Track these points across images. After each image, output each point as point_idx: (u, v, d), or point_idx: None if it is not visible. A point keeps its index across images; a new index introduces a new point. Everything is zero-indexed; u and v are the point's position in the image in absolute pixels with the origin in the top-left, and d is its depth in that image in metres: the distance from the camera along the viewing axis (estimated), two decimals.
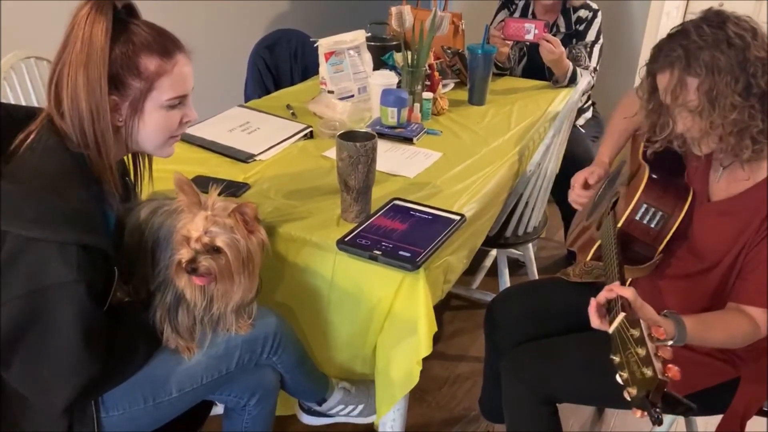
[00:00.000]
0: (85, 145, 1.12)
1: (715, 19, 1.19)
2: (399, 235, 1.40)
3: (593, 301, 1.14)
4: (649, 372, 0.93)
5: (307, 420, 1.63)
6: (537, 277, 2.40)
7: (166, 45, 1.15)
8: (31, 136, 1.12)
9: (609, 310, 1.11)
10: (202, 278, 1.17)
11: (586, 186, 1.61)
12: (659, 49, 1.24)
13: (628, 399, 0.94)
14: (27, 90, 2.05)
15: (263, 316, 1.36)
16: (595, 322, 1.13)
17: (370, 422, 1.61)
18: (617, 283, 1.15)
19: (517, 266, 2.69)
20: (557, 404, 1.47)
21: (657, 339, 0.99)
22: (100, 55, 1.08)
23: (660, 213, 1.33)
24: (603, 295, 1.13)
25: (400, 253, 1.34)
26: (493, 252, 2.64)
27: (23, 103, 1.99)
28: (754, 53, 1.15)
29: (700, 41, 1.17)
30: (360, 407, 1.60)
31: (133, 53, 1.12)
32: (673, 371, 0.93)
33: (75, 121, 1.11)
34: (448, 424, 2.00)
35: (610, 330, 1.05)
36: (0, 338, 1.05)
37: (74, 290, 1.05)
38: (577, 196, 1.63)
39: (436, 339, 2.19)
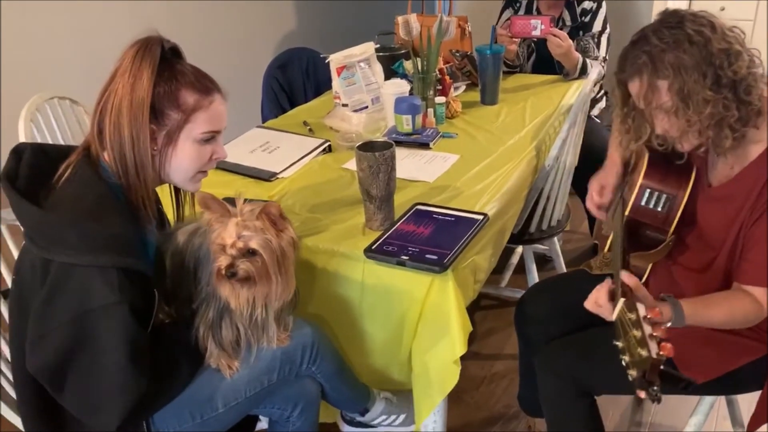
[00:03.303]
0: (124, 170, 1.18)
1: (672, 19, 1.22)
2: (424, 239, 1.43)
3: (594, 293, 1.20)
4: (644, 353, 0.96)
5: (349, 431, 1.66)
6: (565, 270, 2.41)
7: (206, 84, 1.23)
8: (69, 170, 1.17)
9: (612, 300, 1.15)
10: (243, 282, 1.20)
11: (602, 192, 1.61)
12: (625, 58, 1.27)
13: (631, 381, 0.97)
14: (53, 129, 2.12)
15: (299, 327, 1.39)
16: (592, 306, 1.18)
17: (413, 431, 1.63)
18: (622, 272, 1.18)
19: (544, 261, 2.70)
20: (595, 396, 1.48)
21: (653, 320, 1.02)
22: (146, 87, 1.15)
23: (665, 195, 1.35)
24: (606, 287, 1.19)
25: (427, 256, 1.36)
26: (520, 249, 2.65)
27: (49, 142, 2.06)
28: (716, 46, 1.18)
29: (662, 44, 1.20)
30: (402, 416, 1.61)
31: (175, 88, 1.19)
32: (667, 349, 0.96)
33: (116, 146, 1.17)
34: (489, 423, 2.01)
35: (613, 317, 1.09)
36: (51, 363, 1.10)
37: (118, 311, 1.09)
38: (594, 203, 1.60)
39: (470, 339, 2.20)
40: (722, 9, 3.98)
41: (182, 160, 1.23)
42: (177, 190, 1.38)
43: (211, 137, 1.24)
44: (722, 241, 1.31)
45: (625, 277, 1.16)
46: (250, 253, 1.19)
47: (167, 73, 1.19)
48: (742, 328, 1.35)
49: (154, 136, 1.19)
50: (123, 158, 1.17)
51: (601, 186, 1.61)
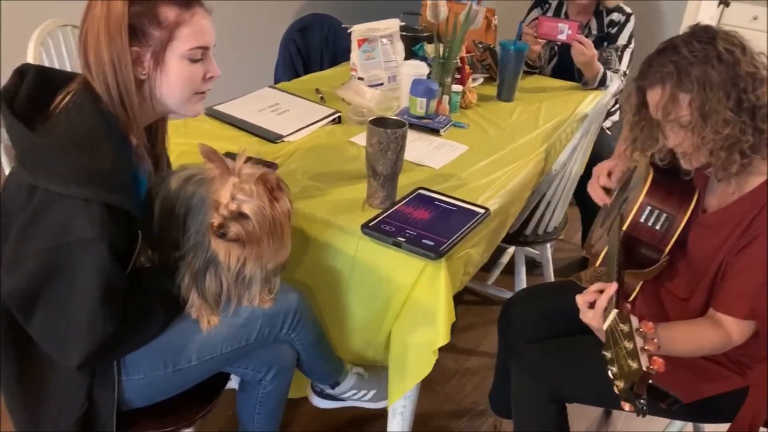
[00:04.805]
0: (110, 99, 1.14)
1: (704, 34, 1.19)
2: (423, 224, 1.41)
3: (580, 297, 1.19)
4: (634, 365, 0.96)
5: (319, 403, 1.65)
6: (553, 278, 2.41)
7: None
8: (68, 97, 1.14)
9: (605, 309, 1.14)
10: (232, 242, 1.19)
11: (610, 175, 1.60)
12: (649, 65, 1.24)
13: (617, 392, 0.97)
14: (62, 57, 2.07)
15: (285, 292, 1.37)
16: (587, 315, 1.17)
17: (381, 408, 1.62)
18: (615, 283, 1.17)
19: (533, 266, 2.69)
20: (566, 404, 1.48)
21: (645, 333, 1.02)
22: (120, 6, 1.11)
23: (665, 215, 1.34)
24: (593, 295, 1.18)
25: (424, 241, 1.35)
26: (510, 249, 2.65)
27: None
28: (744, 68, 1.16)
29: (691, 57, 1.17)
30: (372, 393, 1.61)
31: (153, 4, 1.14)
32: (658, 363, 0.96)
33: (99, 75, 1.13)
34: (455, 416, 2.01)
35: (604, 327, 1.09)
36: (23, 290, 1.08)
37: (96, 247, 1.06)
38: (596, 186, 1.59)
39: None
40: (755, 17, 3.96)
41: (173, 81, 1.18)
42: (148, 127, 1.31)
43: (200, 55, 1.20)
44: (707, 269, 1.31)
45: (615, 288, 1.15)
46: (241, 216, 1.17)
47: None
48: (722, 359, 1.36)
49: (140, 60, 1.15)
50: (107, 86, 1.13)
51: (610, 171, 1.60)
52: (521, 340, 1.63)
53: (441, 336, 1.35)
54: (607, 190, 1.62)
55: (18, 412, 1.21)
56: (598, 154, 2.29)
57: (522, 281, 2.27)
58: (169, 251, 1.30)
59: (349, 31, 2.15)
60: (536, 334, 1.60)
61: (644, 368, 0.95)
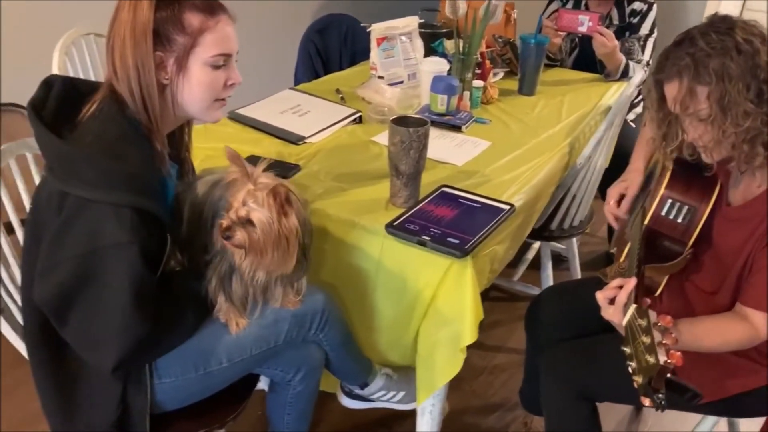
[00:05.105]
0: (134, 103, 1.16)
1: (722, 25, 1.16)
2: (447, 222, 1.40)
3: (600, 294, 1.18)
4: (652, 359, 0.96)
5: (348, 403, 1.66)
6: (579, 272, 2.38)
7: (210, 4, 1.19)
8: (94, 106, 1.16)
9: (625, 304, 1.13)
10: (236, 247, 1.20)
11: (620, 201, 1.61)
12: (666, 58, 1.21)
13: (636, 387, 0.97)
14: (86, 65, 2.10)
15: (312, 293, 1.38)
16: (608, 311, 1.16)
17: (410, 409, 1.62)
18: (634, 278, 1.15)
19: (558, 261, 2.67)
20: (597, 402, 1.46)
21: (663, 327, 1.01)
22: (146, 12, 1.12)
23: (686, 207, 1.31)
24: (613, 291, 1.16)
25: (449, 239, 1.34)
26: (536, 245, 2.63)
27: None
28: (764, 58, 1.13)
29: (708, 49, 1.14)
30: (401, 394, 1.61)
31: (178, 10, 1.15)
32: (676, 357, 0.95)
33: (124, 78, 1.15)
34: (484, 412, 2.01)
35: (624, 322, 1.08)
36: (57, 295, 1.10)
37: (128, 251, 1.08)
38: (611, 210, 1.61)
39: None
40: None
41: (195, 87, 1.19)
42: (172, 133, 1.33)
43: (222, 62, 1.20)
44: (734, 263, 1.29)
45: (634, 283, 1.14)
46: (249, 223, 1.18)
47: None
48: (751, 352, 1.33)
49: (163, 65, 1.17)
50: (131, 90, 1.15)
51: (621, 195, 1.59)
52: (549, 338, 1.62)
53: (468, 334, 1.35)
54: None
55: (53, 414, 1.23)
56: (622, 147, 2.27)
57: (548, 276, 2.25)
58: (198, 255, 1.31)
59: (368, 30, 2.15)
60: (563, 332, 1.59)
61: (661, 362, 0.94)
